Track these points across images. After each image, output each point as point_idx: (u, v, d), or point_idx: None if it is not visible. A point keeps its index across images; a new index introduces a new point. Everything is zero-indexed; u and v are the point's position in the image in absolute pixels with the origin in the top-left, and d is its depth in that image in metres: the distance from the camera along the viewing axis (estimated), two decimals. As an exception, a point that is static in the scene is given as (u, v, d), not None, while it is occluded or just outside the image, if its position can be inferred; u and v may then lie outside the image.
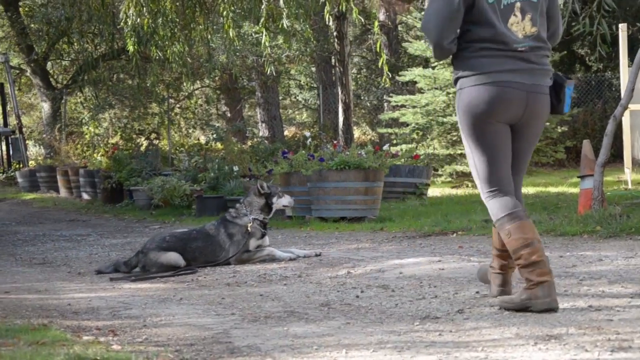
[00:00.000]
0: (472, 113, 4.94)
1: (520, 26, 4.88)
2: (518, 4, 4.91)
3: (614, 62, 21.69)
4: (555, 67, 21.65)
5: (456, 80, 5.09)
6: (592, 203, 10.81)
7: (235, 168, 15.68)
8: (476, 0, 4.86)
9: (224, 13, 15.09)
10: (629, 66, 14.27)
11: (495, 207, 4.99)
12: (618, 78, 19.42)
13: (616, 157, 18.24)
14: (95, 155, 20.46)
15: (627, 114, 14.82)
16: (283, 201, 9.53)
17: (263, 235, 9.23)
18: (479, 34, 4.91)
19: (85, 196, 19.25)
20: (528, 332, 5.08)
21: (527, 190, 18.37)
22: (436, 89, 21.43)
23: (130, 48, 15.35)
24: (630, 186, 16.08)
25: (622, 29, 15.85)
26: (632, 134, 17.64)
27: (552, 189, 18.07)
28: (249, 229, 8.99)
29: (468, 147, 5.13)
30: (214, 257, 8.95)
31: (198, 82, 25.31)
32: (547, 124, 21.64)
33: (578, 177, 12.34)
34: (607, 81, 24.89)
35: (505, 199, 4.98)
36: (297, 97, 28.66)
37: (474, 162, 5.10)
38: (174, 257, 8.71)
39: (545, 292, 4.81)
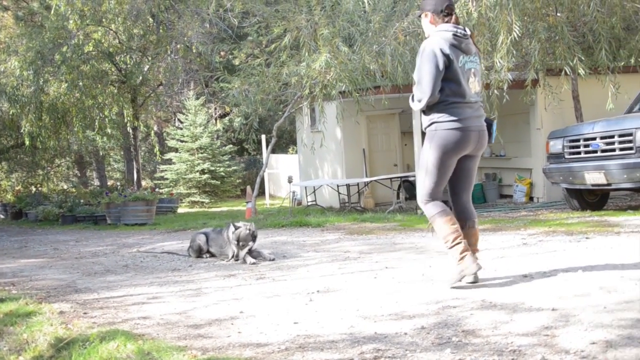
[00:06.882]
0: (445, 148, 3.90)
1: (473, 85, 3.96)
2: (473, 70, 3.96)
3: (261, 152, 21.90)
4: (229, 153, 23.05)
5: (431, 124, 3.98)
6: (251, 213, 11.87)
7: (82, 201, 15.78)
8: (452, 62, 3.85)
9: (77, 125, 15.90)
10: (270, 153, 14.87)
11: (430, 208, 3.96)
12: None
13: (262, 193, 18.00)
14: (7, 195, 19.95)
15: (266, 174, 16.73)
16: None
17: None
18: (451, 88, 3.88)
19: (1, 216, 18.63)
20: (220, 273, 5.39)
21: (222, 209, 19.07)
22: (181, 162, 21.83)
23: (27, 142, 15.77)
24: (268, 206, 17.46)
25: (264, 138, 17.53)
26: (269, 183, 19.39)
27: (236, 208, 18.81)
28: None
29: (426, 169, 4.00)
30: None
31: (63, 158, 24.75)
32: (238, 180, 23.25)
33: (246, 202, 13.85)
34: (259, 161, 25.30)
35: (437, 202, 3.98)
36: (114, 166, 28.45)
37: (424, 180, 4.01)
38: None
39: (470, 260, 3.85)
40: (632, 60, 10.62)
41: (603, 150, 7.95)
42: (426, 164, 3.99)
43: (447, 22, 3.97)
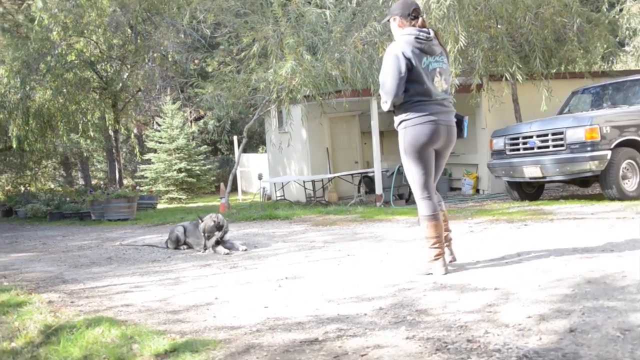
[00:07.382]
0: (417, 143, 3.76)
1: (439, 84, 3.79)
2: (438, 69, 3.80)
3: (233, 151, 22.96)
4: (204, 153, 22.61)
5: (400, 123, 3.84)
6: (225, 208, 11.63)
7: (68, 199, 15.46)
8: (414, 66, 3.71)
9: (62, 128, 15.61)
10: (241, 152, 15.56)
11: (425, 207, 3.83)
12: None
13: (235, 189, 17.93)
14: (-2, 194, 19.14)
15: (238, 172, 16.38)
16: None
17: None
18: (415, 89, 3.74)
19: (-8, 214, 17.79)
20: (197, 263, 5.38)
21: (198, 204, 18.59)
22: (160, 162, 21.46)
23: (14, 145, 15.37)
24: (240, 201, 16.84)
25: (235, 139, 17.08)
26: (241, 180, 18.79)
27: (211, 203, 18.33)
28: None
29: (409, 166, 3.86)
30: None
31: (50, 160, 23.93)
32: (213, 178, 22.82)
33: (220, 198, 13.72)
34: (231, 160, 24.20)
35: (431, 202, 3.84)
36: (98, 166, 28.30)
37: (413, 175, 3.85)
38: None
39: (440, 264, 3.81)
40: (562, 68, 10.92)
41: (539, 147, 8.11)
42: (407, 162, 3.88)
43: (413, 25, 3.85)
